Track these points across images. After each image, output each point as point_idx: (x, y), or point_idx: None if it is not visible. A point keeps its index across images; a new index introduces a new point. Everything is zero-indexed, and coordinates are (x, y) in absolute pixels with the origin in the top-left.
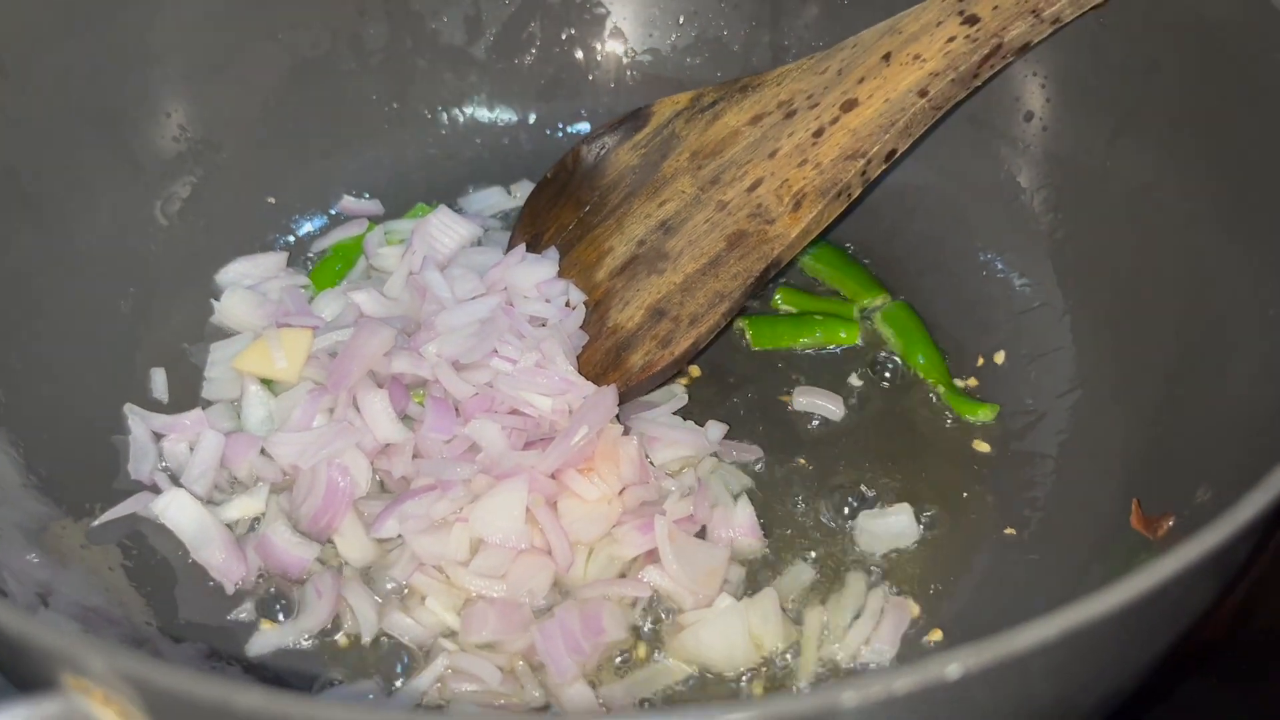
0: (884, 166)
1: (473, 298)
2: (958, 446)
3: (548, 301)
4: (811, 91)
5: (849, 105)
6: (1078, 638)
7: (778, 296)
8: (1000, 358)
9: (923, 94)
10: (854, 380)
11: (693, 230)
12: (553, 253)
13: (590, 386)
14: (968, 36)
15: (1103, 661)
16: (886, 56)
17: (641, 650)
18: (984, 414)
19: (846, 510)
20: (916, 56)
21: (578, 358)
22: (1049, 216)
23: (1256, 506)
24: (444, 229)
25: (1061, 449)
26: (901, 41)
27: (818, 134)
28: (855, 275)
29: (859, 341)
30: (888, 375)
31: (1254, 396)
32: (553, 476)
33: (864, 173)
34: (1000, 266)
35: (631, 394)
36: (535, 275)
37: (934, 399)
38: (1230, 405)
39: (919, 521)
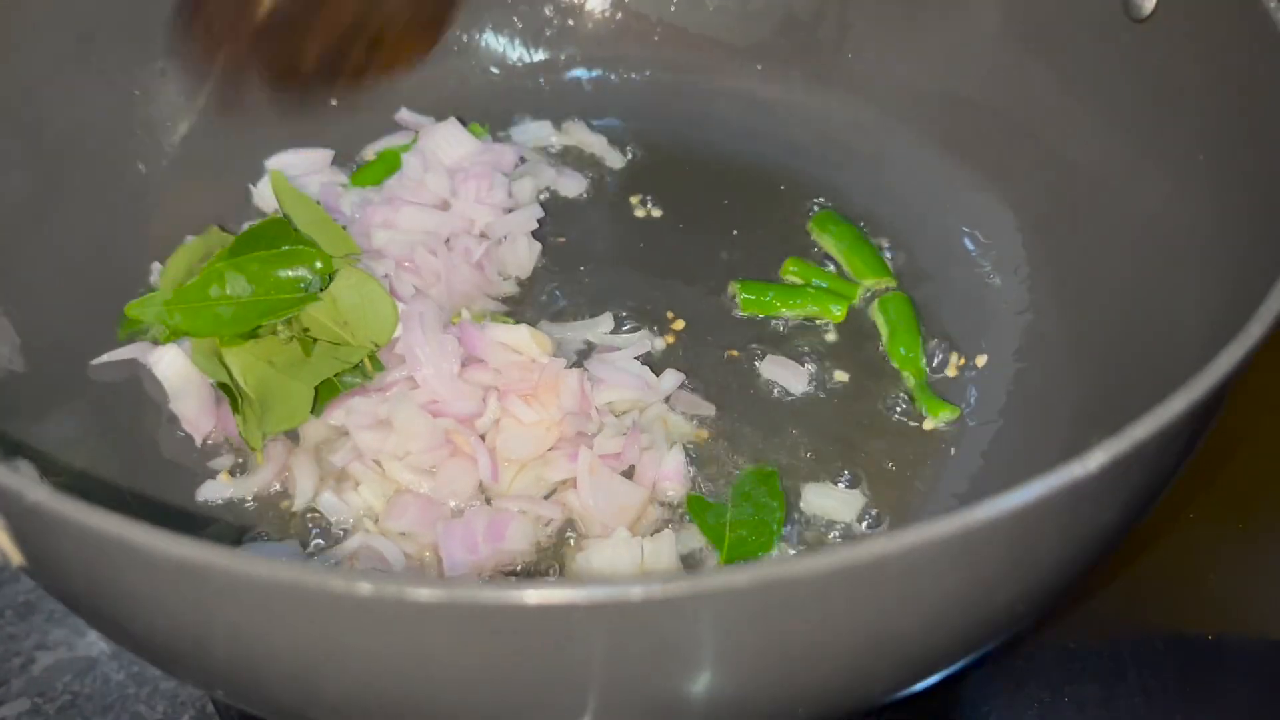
0: None
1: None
2: (910, 440)
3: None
4: None
5: None
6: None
7: (792, 267)
8: (982, 361)
9: None
10: (828, 357)
11: None
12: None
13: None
14: None
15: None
16: None
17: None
18: (946, 414)
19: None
20: None
21: None
22: (1054, 232)
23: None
24: (449, 139)
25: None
26: None
27: None
28: (864, 255)
29: (846, 319)
30: (864, 358)
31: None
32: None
33: None
34: (996, 275)
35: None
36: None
37: (901, 391)
38: None
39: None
